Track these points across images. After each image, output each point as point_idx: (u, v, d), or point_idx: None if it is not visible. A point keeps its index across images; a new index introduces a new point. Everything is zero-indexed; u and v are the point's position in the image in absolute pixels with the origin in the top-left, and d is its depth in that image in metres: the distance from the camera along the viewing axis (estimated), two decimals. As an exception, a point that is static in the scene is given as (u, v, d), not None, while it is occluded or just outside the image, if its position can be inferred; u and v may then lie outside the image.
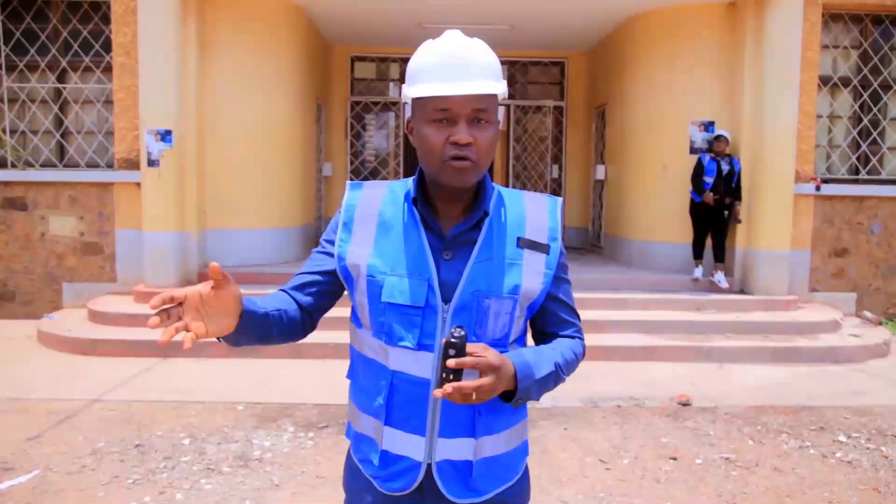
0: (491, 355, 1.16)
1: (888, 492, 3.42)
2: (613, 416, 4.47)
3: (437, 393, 1.12)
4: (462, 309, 1.27)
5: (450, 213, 1.32)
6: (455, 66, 1.21)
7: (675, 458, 3.79)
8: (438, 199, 1.31)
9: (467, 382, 1.12)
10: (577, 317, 1.44)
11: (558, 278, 1.37)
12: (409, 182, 1.35)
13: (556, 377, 1.31)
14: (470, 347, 1.15)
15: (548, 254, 1.33)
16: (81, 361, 5.51)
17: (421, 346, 1.27)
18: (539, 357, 1.29)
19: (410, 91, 1.26)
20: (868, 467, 3.71)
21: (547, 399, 4.60)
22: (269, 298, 1.33)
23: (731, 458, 3.82)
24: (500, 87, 1.25)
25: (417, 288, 1.26)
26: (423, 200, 1.32)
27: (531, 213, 1.35)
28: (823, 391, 5.07)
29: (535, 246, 1.32)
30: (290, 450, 3.83)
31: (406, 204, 1.33)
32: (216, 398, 4.64)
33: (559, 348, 1.36)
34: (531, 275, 1.31)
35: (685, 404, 4.70)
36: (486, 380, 1.14)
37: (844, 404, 4.77)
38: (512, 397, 1.24)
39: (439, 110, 1.21)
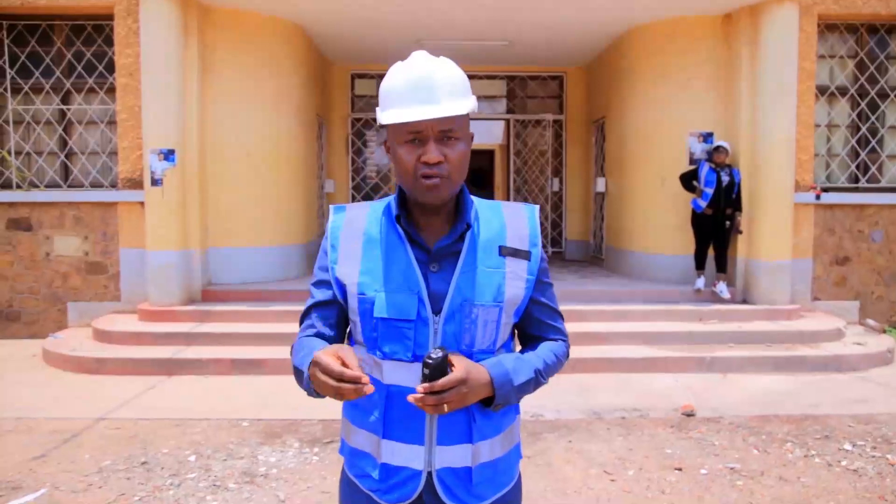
0: (457, 369, 1.22)
1: (894, 500, 3.41)
2: (617, 427, 4.47)
3: (411, 398, 1.20)
4: (451, 318, 1.31)
5: (432, 226, 1.37)
6: (422, 88, 1.25)
7: (679, 469, 3.79)
8: (420, 214, 1.36)
9: (431, 397, 1.19)
10: (561, 319, 1.50)
11: (540, 282, 1.43)
12: (390, 200, 1.39)
13: (535, 382, 1.38)
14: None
15: (529, 260, 1.39)
16: (86, 380, 5.52)
17: (415, 358, 1.31)
18: (520, 364, 1.35)
19: (382, 117, 1.30)
20: (874, 475, 3.71)
21: (551, 412, 4.60)
22: (322, 343, 1.38)
23: (737, 468, 3.81)
24: (466, 106, 1.28)
25: (408, 301, 1.30)
26: (406, 216, 1.36)
27: (510, 222, 1.41)
28: (827, 400, 5.07)
29: (516, 253, 1.38)
30: (296, 465, 3.83)
31: (389, 221, 1.37)
32: (221, 415, 4.65)
33: (542, 353, 1.42)
34: (514, 281, 1.37)
35: (689, 415, 4.70)
36: (450, 393, 1.20)
37: (849, 413, 4.76)
38: (491, 402, 1.31)
39: (410, 132, 1.27)
